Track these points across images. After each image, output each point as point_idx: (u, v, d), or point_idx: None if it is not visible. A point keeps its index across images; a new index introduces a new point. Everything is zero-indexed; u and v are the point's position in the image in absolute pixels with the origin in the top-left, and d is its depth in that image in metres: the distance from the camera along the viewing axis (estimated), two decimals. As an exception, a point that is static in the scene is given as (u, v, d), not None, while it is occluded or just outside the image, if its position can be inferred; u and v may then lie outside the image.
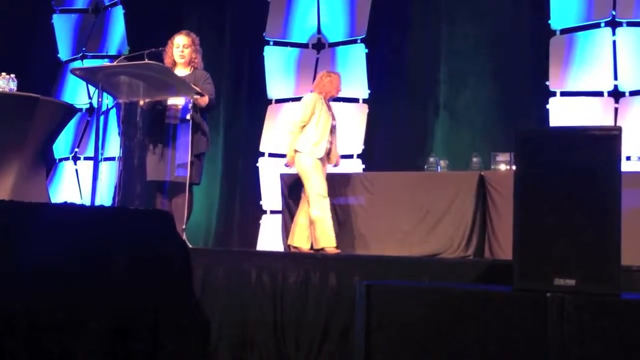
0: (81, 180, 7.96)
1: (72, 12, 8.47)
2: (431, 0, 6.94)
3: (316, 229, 5.34)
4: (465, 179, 5.52)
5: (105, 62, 7.55)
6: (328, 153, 5.53)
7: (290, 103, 7.36)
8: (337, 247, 5.32)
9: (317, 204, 5.33)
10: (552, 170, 2.61)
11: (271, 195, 7.07)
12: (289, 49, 7.47)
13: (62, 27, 8.45)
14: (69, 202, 5.01)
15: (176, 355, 2.29)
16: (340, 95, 7.11)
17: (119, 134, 5.03)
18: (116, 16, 8.16)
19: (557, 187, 2.60)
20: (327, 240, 5.31)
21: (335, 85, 5.66)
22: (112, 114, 7.30)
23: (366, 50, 7.11)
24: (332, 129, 5.54)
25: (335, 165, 5.71)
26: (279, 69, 7.46)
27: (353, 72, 7.16)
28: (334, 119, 5.59)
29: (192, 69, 5.16)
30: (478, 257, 5.31)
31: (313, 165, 5.39)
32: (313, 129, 5.42)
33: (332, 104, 7.16)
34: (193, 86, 4.91)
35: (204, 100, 4.96)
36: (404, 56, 7.00)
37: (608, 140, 2.58)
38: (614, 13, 6.22)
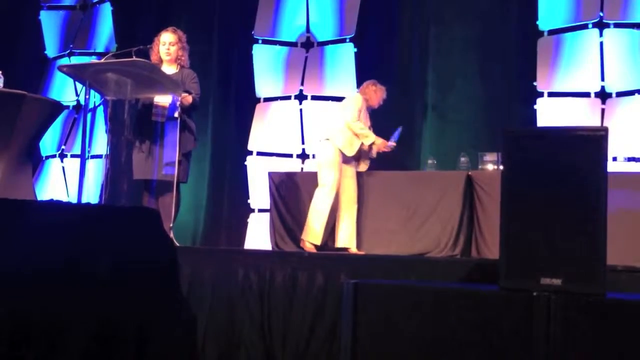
0: (68, 178, 7.92)
1: (59, 9, 8.42)
2: (419, 0, 6.95)
3: (309, 219, 5.37)
4: (452, 179, 5.53)
5: (92, 60, 7.50)
6: (358, 158, 5.56)
7: (279, 102, 7.36)
8: (316, 248, 5.34)
9: (320, 197, 5.36)
10: (539, 170, 2.62)
11: (259, 194, 7.06)
12: (277, 47, 7.47)
13: (50, 23, 8.40)
14: (55, 199, 4.98)
15: (163, 355, 2.28)
16: (329, 94, 7.16)
17: (106, 131, 5.00)
18: (104, 13, 8.12)
19: (544, 187, 2.61)
20: (313, 236, 5.32)
21: (378, 97, 5.66)
22: (100, 111, 7.26)
23: (355, 50, 7.11)
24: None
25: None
26: (267, 68, 7.45)
27: (342, 71, 7.17)
28: (370, 126, 5.58)
29: (179, 67, 5.14)
30: (465, 256, 5.33)
31: (334, 160, 5.38)
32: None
33: (320, 102, 7.17)
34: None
35: (187, 100, 4.94)
36: (392, 56, 7.02)
37: (595, 140, 2.59)
38: (601, 14, 6.25)
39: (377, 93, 5.64)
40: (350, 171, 5.53)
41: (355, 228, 5.50)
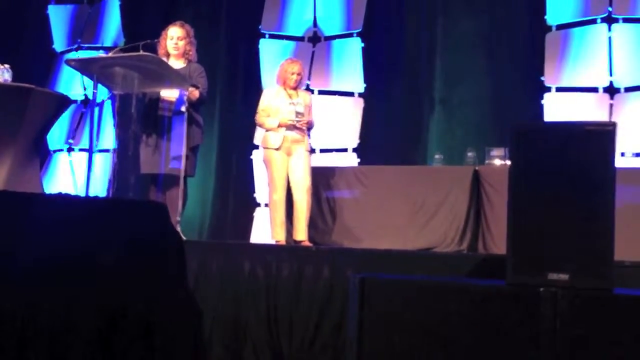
0: (75, 172, 7.94)
1: (67, 3, 8.42)
2: (427, -5, 6.94)
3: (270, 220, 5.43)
4: (459, 174, 5.52)
5: (100, 54, 7.51)
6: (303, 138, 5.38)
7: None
8: (277, 241, 5.33)
9: (269, 200, 5.44)
10: (546, 165, 2.62)
11: (265, 188, 7.06)
12: (284, 42, 7.45)
13: (58, 18, 8.40)
14: (63, 193, 5.00)
15: (169, 348, 2.29)
16: (336, 89, 7.14)
17: (113, 125, 5.01)
18: (112, 7, 8.12)
19: (552, 182, 2.60)
20: (276, 234, 5.35)
21: (279, 73, 5.54)
22: (107, 105, 7.28)
23: (362, 44, 7.10)
24: (298, 115, 5.33)
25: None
26: (274, 62, 7.41)
27: (349, 66, 7.16)
28: (297, 112, 5.34)
29: (186, 61, 5.14)
30: (472, 251, 5.32)
31: (267, 157, 5.40)
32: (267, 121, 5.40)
33: (327, 97, 7.11)
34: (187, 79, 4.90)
35: (194, 94, 4.94)
36: (400, 50, 7.00)
37: (603, 135, 2.58)
38: (610, 9, 6.23)
39: (280, 70, 5.54)
40: (297, 156, 5.37)
41: (306, 218, 5.35)
